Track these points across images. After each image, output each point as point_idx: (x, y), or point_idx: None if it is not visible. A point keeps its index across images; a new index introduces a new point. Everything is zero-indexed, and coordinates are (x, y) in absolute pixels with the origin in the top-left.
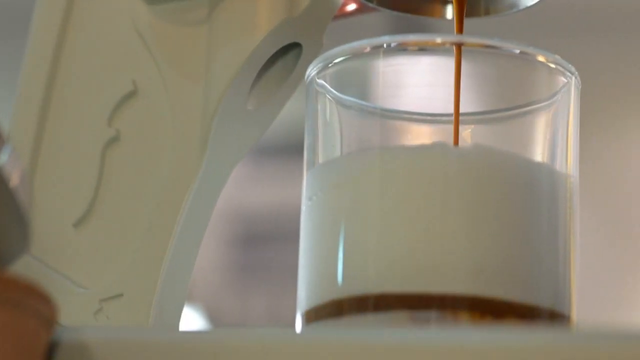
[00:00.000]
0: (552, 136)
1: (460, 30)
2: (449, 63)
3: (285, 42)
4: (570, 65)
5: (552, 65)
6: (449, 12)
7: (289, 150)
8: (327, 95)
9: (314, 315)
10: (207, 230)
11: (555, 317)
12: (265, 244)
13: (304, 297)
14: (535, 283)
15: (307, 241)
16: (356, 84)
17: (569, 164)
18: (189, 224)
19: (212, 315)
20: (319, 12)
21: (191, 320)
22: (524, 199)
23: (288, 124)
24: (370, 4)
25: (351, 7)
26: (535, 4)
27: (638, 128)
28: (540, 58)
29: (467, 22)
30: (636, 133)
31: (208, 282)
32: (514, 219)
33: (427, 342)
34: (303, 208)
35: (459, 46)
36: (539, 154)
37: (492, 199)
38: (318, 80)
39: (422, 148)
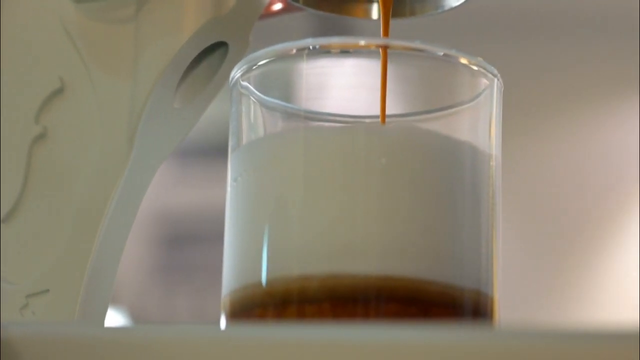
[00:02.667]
0: (475, 137)
1: (386, 31)
2: (372, 65)
3: (212, 41)
4: (492, 68)
5: (475, 68)
6: (375, 12)
7: (214, 152)
8: (251, 97)
9: (239, 297)
10: (132, 231)
11: (478, 296)
12: (190, 245)
13: (229, 279)
14: (457, 262)
15: (232, 223)
16: (280, 86)
17: (492, 194)
18: (115, 221)
19: (136, 317)
20: (245, 12)
21: (116, 321)
22: (446, 177)
23: (213, 126)
24: (296, 4)
25: (277, 6)
26: (460, 5)
27: (559, 129)
28: (463, 60)
29: (392, 23)
30: (557, 134)
31: (132, 283)
32: (436, 196)
33: (349, 338)
34: (228, 189)
35: (384, 48)
36: (462, 177)
37: (414, 177)
38: (242, 82)
39: (344, 127)
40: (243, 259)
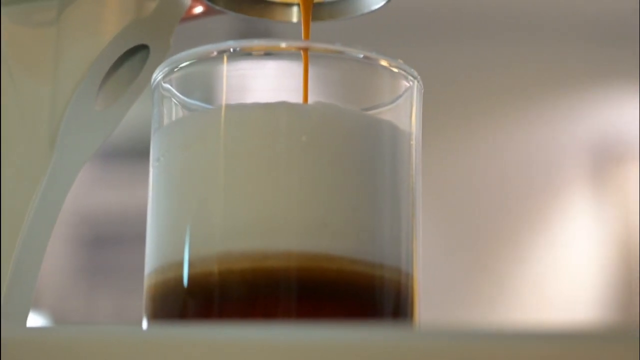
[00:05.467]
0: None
1: (307, 34)
2: (293, 68)
3: (133, 44)
4: (412, 70)
5: (395, 70)
6: (295, 15)
7: (136, 153)
8: (173, 99)
9: (161, 276)
10: (54, 233)
11: (399, 274)
12: (112, 246)
13: (151, 257)
14: (378, 239)
15: (155, 203)
16: (201, 88)
17: (412, 182)
18: (37, 222)
19: (58, 319)
20: (166, 15)
21: (38, 323)
22: (366, 155)
23: (135, 128)
24: (216, 7)
25: (198, 9)
26: (379, 8)
27: (480, 129)
28: (383, 63)
29: (315, 26)
30: (477, 134)
31: (54, 285)
32: (357, 174)
33: (269, 339)
34: (151, 170)
35: (305, 51)
36: (383, 155)
37: (335, 155)
38: (164, 85)
39: (265, 105)
40: (166, 237)
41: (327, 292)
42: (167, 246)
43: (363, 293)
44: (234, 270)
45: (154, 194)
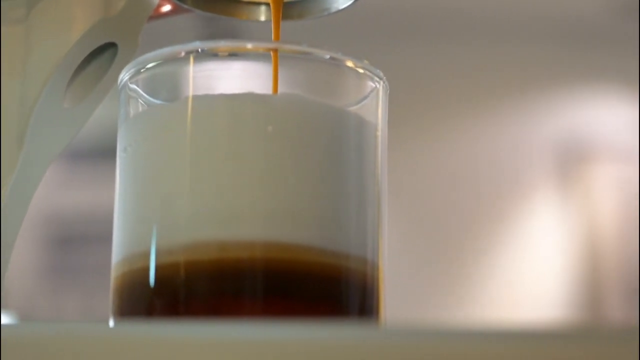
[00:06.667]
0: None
1: (277, 34)
2: (260, 68)
3: (101, 42)
4: (378, 71)
5: (361, 71)
6: (262, 14)
7: (103, 154)
8: (140, 100)
9: (128, 266)
10: (21, 232)
11: (364, 263)
12: (79, 246)
13: (118, 247)
14: (343, 229)
15: (122, 193)
16: (168, 89)
17: (377, 173)
18: (4, 221)
19: (25, 318)
20: (134, 13)
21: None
22: (331, 145)
23: (102, 129)
24: (184, 6)
25: (166, 8)
26: (346, 7)
27: (449, 130)
28: (349, 63)
29: (281, 25)
30: (447, 135)
31: (21, 285)
32: (322, 164)
33: (232, 337)
34: (118, 160)
35: (275, 51)
36: (348, 145)
37: (300, 145)
38: (131, 85)
39: (231, 96)
40: (132, 227)
41: (293, 281)
42: (134, 236)
43: (329, 282)
44: (199, 260)
45: (120, 184)
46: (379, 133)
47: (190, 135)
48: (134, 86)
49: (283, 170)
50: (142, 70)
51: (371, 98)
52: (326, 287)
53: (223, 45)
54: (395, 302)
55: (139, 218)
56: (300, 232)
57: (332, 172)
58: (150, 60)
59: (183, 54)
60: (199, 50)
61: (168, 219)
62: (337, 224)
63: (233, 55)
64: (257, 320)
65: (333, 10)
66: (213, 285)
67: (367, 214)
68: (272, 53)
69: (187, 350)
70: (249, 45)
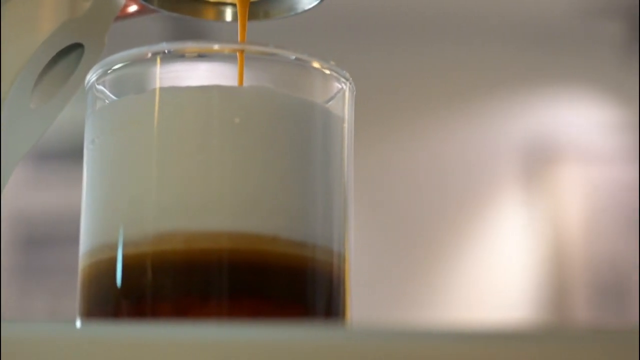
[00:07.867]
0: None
1: (243, 35)
2: (227, 69)
3: (68, 43)
4: (344, 72)
5: (327, 72)
6: (228, 14)
7: (70, 154)
8: (107, 101)
9: (94, 258)
10: None
11: (330, 254)
12: (46, 247)
13: (86, 239)
14: (310, 220)
15: (89, 184)
16: (135, 90)
17: (344, 166)
18: None
19: None
20: (100, 14)
21: None
22: (298, 136)
23: (69, 128)
24: (151, 6)
25: (132, 8)
26: (312, 7)
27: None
28: (316, 64)
29: (248, 25)
30: (413, 136)
31: None
32: (288, 155)
33: (199, 337)
34: (85, 152)
35: (241, 52)
36: (315, 137)
37: (267, 136)
38: (97, 86)
39: (199, 88)
40: (99, 218)
41: (260, 272)
42: (101, 227)
43: (295, 273)
44: (166, 251)
45: (88, 175)
46: (346, 125)
47: (157, 127)
48: (101, 87)
49: (250, 161)
50: (109, 72)
51: (337, 99)
52: (293, 278)
53: (190, 46)
54: (361, 301)
55: (106, 209)
56: (267, 222)
57: (299, 164)
58: (117, 61)
59: (150, 55)
60: (166, 51)
61: (135, 210)
62: (304, 215)
63: (200, 56)
64: (223, 311)
65: (299, 10)
66: (179, 277)
67: (334, 205)
68: (238, 54)
69: (154, 351)
70: (216, 47)
